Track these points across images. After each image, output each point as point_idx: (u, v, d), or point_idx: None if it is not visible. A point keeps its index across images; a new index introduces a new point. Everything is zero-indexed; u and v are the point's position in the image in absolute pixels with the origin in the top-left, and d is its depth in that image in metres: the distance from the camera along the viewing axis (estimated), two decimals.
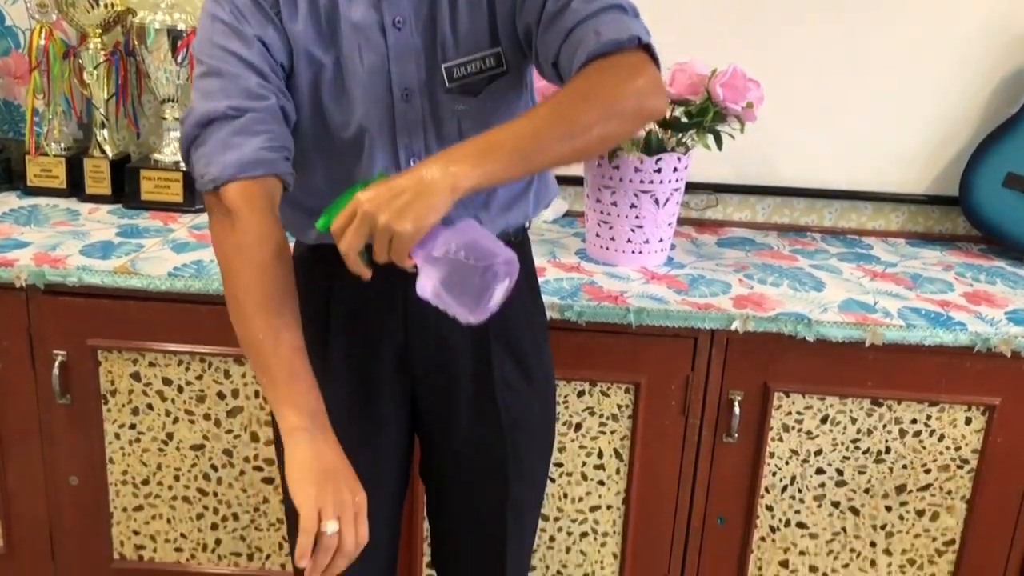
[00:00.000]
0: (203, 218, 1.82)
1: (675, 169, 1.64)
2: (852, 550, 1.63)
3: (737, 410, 1.53)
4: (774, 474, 1.59)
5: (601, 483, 1.60)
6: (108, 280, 1.50)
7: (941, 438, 1.55)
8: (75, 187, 1.90)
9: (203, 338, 1.54)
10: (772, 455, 1.57)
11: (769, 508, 1.61)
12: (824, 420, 1.55)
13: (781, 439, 1.57)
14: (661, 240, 1.70)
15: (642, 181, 1.63)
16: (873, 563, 1.63)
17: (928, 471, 1.57)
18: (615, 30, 0.99)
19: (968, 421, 1.54)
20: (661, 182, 1.64)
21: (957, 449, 1.56)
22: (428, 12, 1.09)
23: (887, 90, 1.91)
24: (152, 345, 1.55)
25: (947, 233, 2.01)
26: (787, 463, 1.58)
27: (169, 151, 1.89)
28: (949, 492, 1.58)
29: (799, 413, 1.55)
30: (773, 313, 1.50)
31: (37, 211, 1.81)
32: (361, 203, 0.90)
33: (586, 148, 0.98)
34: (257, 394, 1.57)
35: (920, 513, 1.60)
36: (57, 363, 1.55)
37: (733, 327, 1.48)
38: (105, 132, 1.90)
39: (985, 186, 1.87)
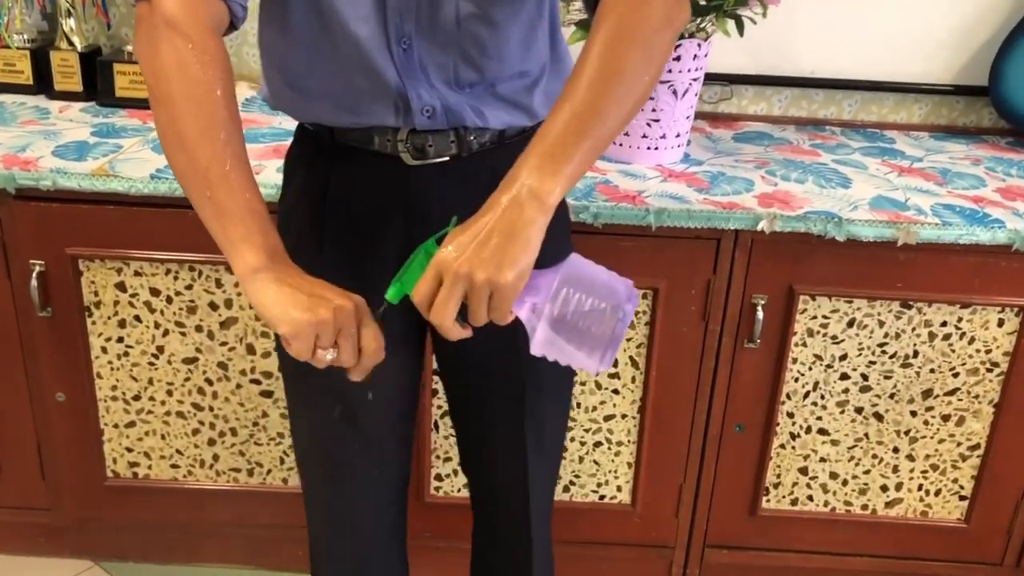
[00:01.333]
0: None
1: (695, 57, 1.52)
2: (874, 456, 1.58)
3: (760, 315, 1.46)
4: (796, 380, 1.52)
5: (616, 392, 1.54)
6: (85, 183, 1.38)
7: (972, 341, 1.49)
8: (42, 83, 1.76)
9: (192, 245, 1.43)
10: (795, 361, 1.51)
11: (790, 415, 1.55)
12: (851, 324, 1.48)
13: (805, 344, 1.50)
14: (678, 135, 1.59)
15: None
16: (895, 468, 1.59)
17: (956, 375, 1.51)
18: None
19: (1000, 323, 1.47)
20: (680, 71, 1.52)
21: (988, 352, 1.49)
22: None
23: None
24: (137, 253, 1.44)
25: (972, 126, 1.91)
26: (810, 369, 1.51)
27: None
28: (977, 396, 1.53)
29: (825, 317, 1.48)
30: (801, 212, 1.40)
31: (2, 109, 1.68)
32: (449, 264, 0.79)
33: (643, 99, 0.87)
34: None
35: (946, 418, 1.54)
36: (35, 274, 1.44)
37: (759, 227, 1.39)
38: (72, 22, 1.74)
39: (1017, 75, 1.76)
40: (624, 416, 1.55)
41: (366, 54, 0.99)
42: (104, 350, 1.52)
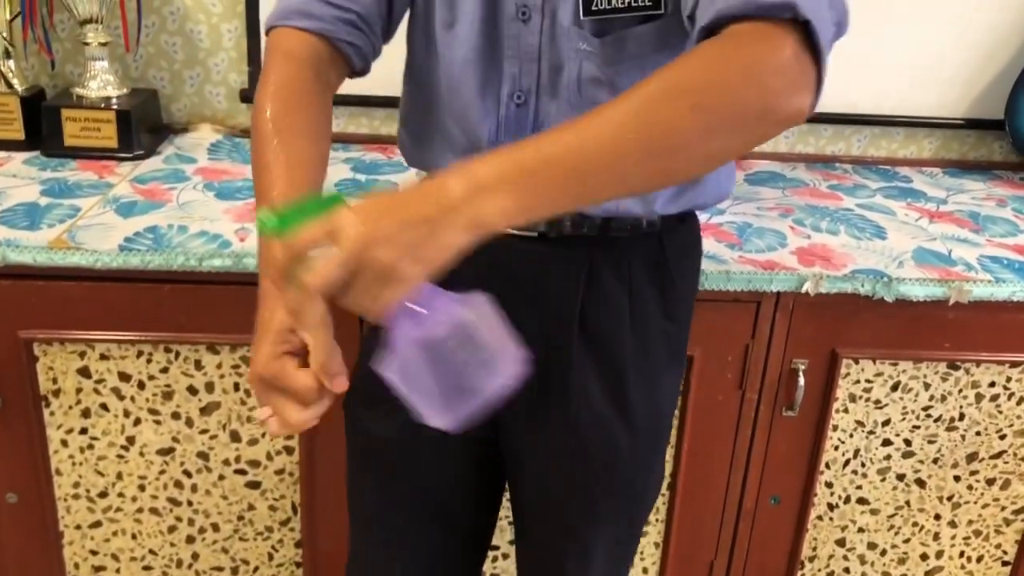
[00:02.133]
0: (146, 167, 1.51)
1: None
2: (915, 524, 1.47)
3: (802, 381, 1.34)
4: (836, 448, 1.41)
5: None
6: (42, 258, 1.19)
7: (1020, 401, 1.39)
8: None
9: (167, 323, 1.25)
10: (835, 428, 1.39)
11: (828, 485, 1.43)
12: (895, 387, 1.37)
13: (846, 410, 1.38)
14: None
15: None
16: (936, 536, 1.49)
17: (1003, 436, 1.41)
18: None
19: None
20: None
21: None
22: None
23: (925, 3, 1.69)
24: (103, 334, 1.25)
25: (983, 160, 1.83)
26: (851, 436, 1.40)
27: (95, 85, 1.54)
28: (1023, 458, 1.43)
29: (868, 381, 1.37)
30: (847, 271, 1.29)
31: None
32: (357, 226, 0.60)
33: (683, 170, 0.68)
34: (237, 386, 1.30)
35: (991, 482, 1.45)
36: None
37: (804, 289, 1.27)
38: (11, 63, 1.54)
39: None
40: None
41: (461, 103, 0.91)
42: (64, 443, 1.32)
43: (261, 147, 0.83)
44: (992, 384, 1.38)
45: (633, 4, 0.82)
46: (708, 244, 1.34)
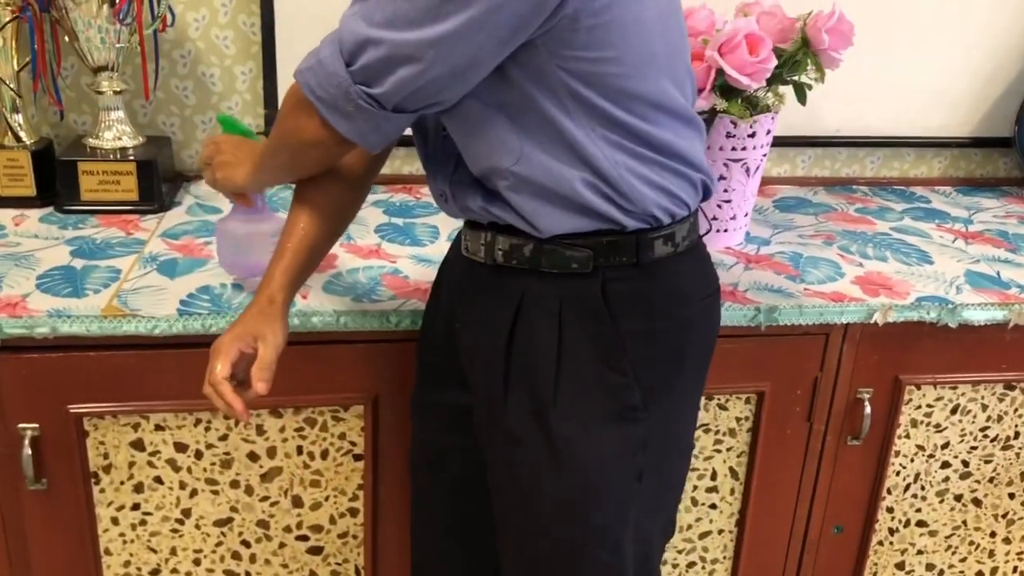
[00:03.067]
0: (171, 220, 1.43)
1: (768, 131, 1.40)
2: (971, 543, 1.49)
3: (868, 410, 1.34)
4: (897, 474, 1.41)
5: (713, 507, 1.38)
6: (96, 328, 1.11)
7: None
8: None
9: None
10: (897, 454, 1.40)
11: (889, 510, 1.44)
12: (954, 411, 1.38)
13: (908, 436, 1.39)
14: (747, 215, 1.46)
15: (734, 148, 1.38)
16: (991, 553, 1.50)
17: None
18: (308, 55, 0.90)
19: None
20: (754, 148, 1.39)
21: None
22: None
23: (930, 27, 1.72)
24: (159, 404, 1.18)
25: (990, 177, 1.87)
26: (912, 461, 1.41)
27: (110, 135, 1.46)
28: None
29: (928, 406, 1.37)
30: (911, 299, 1.30)
31: None
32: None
33: (297, 177, 1.05)
34: (300, 450, 1.24)
35: None
36: (27, 439, 1.15)
37: (874, 319, 1.27)
38: (19, 117, 1.45)
39: None
40: (721, 531, 1.40)
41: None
42: (115, 521, 1.24)
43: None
44: None
45: None
46: (767, 276, 1.33)
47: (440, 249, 1.36)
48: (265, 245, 1.14)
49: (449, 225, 1.47)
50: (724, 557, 1.42)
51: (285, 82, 1.56)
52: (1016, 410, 1.40)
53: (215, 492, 1.24)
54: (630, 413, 0.95)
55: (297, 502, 1.27)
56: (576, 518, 0.97)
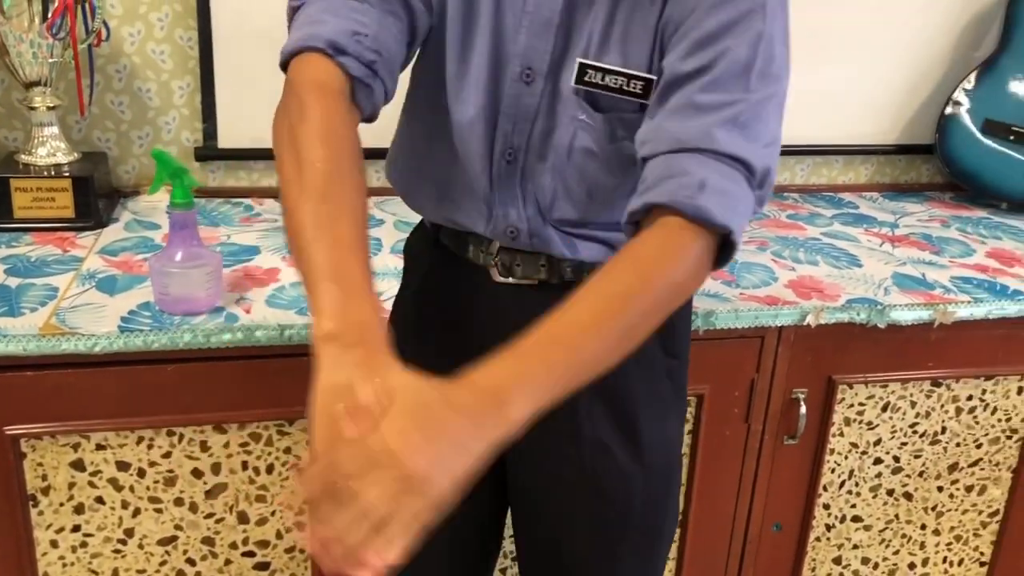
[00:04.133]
0: (109, 237, 1.41)
1: None
2: (903, 535, 1.54)
3: (803, 409, 1.38)
4: (832, 471, 1.46)
5: None
6: (34, 346, 1.10)
7: (994, 411, 1.48)
8: None
9: (170, 405, 1.17)
10: (832, 452, 1.44)
11: (826, 507, 1.48)
12: (885, 408, 1.43)
13: (842, 434, 1.43)
14: None
15: None
16: (922, 545, 1.56)
17: (979, 446, 1.50)
18: (720, 198, 0.77)
19: (1020, 391, 1.48)
20: None
21: (1008, 420, 1.49)
22: None
23: (856, 39, 1.79)
24: (100, 423, 1.16)
25: (915, 182, 1.95)
26: (846, 458, 1.45)
27: (44, 151, 1.44)
28: (997, 464, 1.52)
29: (860, 404, 1.42)
30: (842, 301, 1.34)
31: None
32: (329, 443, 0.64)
33: (630, 351, 0.77)
34: (245, 465, 1.23)
35: (969, 488, 1.53)
36: None
37: (807, 322, 1.31)
38: None
39: (961, 133, 1.81)
40: None
41: (467, 155, 0.93)
42: (54, 544, 1.21)
43: (315, 199, 0.74)
44: (970, 397, 1.46)
45: (624, 88, 0.86)
46: (705, 282, 1.36)
47: (383, 262, 1.37)
48: (203, 281, 1.15)
49: (391, 237, 1.48)
50: (668, 557, 1.45)
51: (222, 96, 1.56)
52: (943, 406, 1.45)
53: (159, 511, 1.23)
54: (683, 391, 1.04)
55: (243, 518, 1.26)
56: (660, 509, 1.04)
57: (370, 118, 0.88)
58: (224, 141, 1.60)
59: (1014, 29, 1.77)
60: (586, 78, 0.87)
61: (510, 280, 0.98)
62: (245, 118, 1.59)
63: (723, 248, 0.80)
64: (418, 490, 0.61)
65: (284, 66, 0.85)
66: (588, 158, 0.90)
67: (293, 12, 0.88)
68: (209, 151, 1.60)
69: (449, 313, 1.02)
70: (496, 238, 0.96)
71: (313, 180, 0.74)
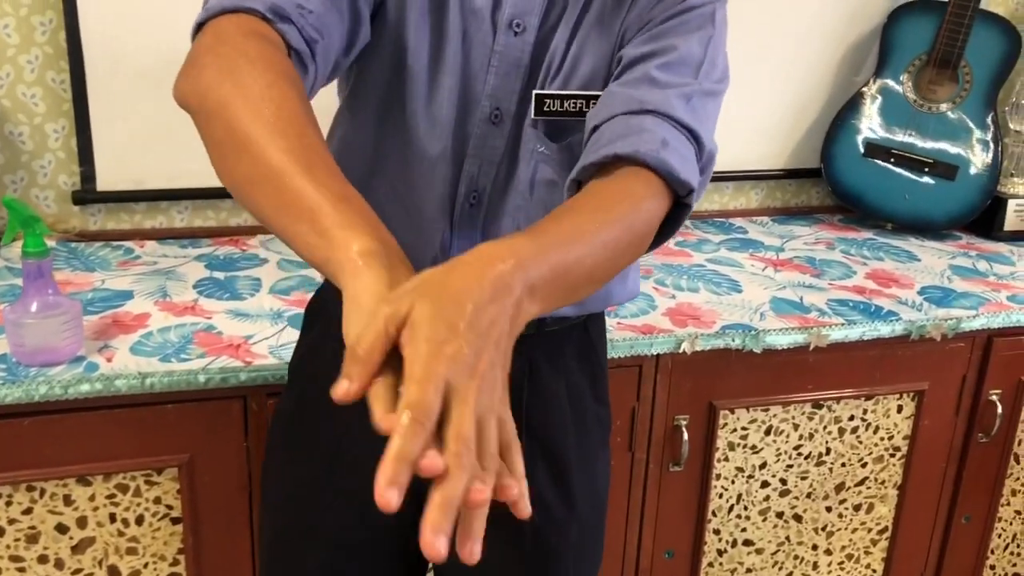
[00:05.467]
0: None
1: None
2: (796, 557, 1.55)
3: (686, 436, 1.39)
4: (720, 496, 1.47)
5: None
6: None
7: (876, 430, 1.50)
8: None
9: (28, 459, 1.14)
10: (718, 476, 1.45)
11: (716, 532, 1.49)
12: (768, 431, 1.45)
13: (727, 459, 1.44)
14: None
15: None
16: (815, 565, 1.57)
17: (864, 464, 1.52)
18: (681, 158, 0.77)
19: (900, 409, 1.50)
20: None
21: (890, 438, 1.52)
22: (552, 23, 0.85)
23: (742, 66, 1.81)
24: None
25: (804, 205, 1.99)
26: (732, 483, 1.46)
27: None
28: (883, 482, 1.54)
29: (744, 428, 1.44)
30: (717, 328, 1.36)
31: None
32: (442, 332, 0.54)
33: (605, 282, 0.75)
34: (113, 518, 1.20)
35: (857, 507, 1.55)
36: None
37: (682, 349, 1.33)
38: None
39: (845, 156, 1.85)
40: None
41: (425, 197, 0.89)
42: None
43: (292, 136, 0.64)
44: (851, 418, 1.48)
45: (583, 110, 0.85)
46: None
47: (259, 304, 1.35)
48: (61, 330, 1.13)
49: (272, 277, 1.46)
50: None
51: (99, 138, 1.53)
52: (825, 427, 1.48)
53: (21, 570, 1.19)
54: (608, 436, 1.06)
55: (114, 572, 1.23)
56: (589, 553, 1.04)
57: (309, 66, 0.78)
58: (103, 184, 1.57)
59: (890, 54, 1.82)
60: (545, 108, 0.86)
61: None
62: (125, 160, 1.56)
63: (672, 214, 0.80)
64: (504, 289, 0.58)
65: (199, 28, 0.74)
66: (551, 190, 0.89)
67: None
68: (88, 194, 1.57)
69: None
70: None
71: (286, 118, 0.65)
